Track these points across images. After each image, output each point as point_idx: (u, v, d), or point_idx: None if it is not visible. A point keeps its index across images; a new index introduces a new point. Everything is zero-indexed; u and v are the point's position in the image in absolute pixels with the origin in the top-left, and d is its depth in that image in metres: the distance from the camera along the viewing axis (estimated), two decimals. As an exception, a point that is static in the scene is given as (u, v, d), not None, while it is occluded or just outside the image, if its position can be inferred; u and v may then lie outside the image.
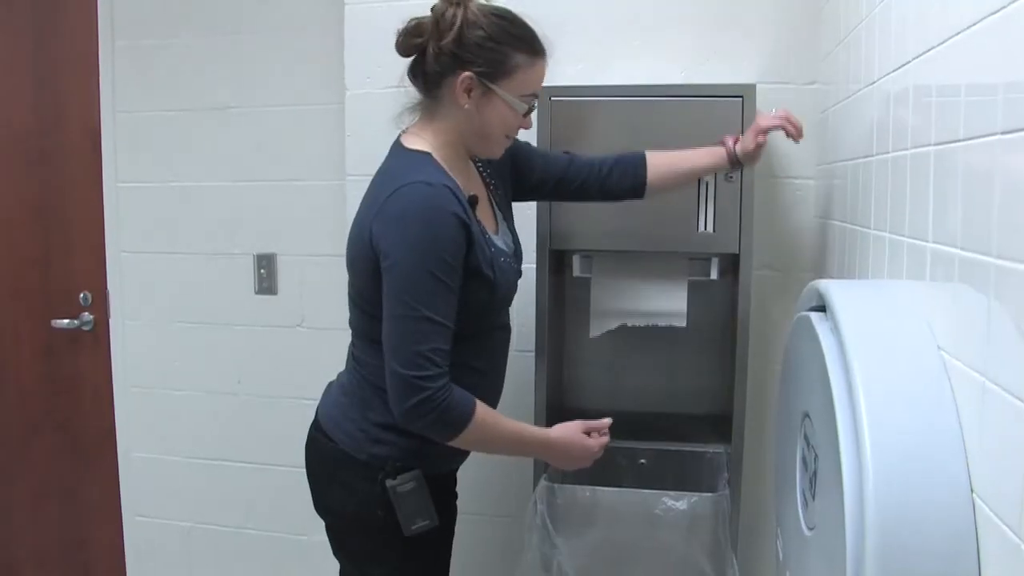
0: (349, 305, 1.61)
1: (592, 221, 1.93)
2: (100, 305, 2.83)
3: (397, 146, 1.56)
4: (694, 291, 2.05)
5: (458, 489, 1.79)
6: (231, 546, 2.82)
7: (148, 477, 2.86)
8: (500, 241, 1.60)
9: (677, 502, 1.77)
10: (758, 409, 2.09)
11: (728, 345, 2.07)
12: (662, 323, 1.95)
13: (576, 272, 2.06)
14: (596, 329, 2.06)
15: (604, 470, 1.98)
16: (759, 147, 1.71)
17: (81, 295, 2.83)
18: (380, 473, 1.52)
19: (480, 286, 1.50)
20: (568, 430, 1.60)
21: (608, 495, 1.84)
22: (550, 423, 1.86)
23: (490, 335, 1.60)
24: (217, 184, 2.69)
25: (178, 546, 2.86)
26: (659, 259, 2.00)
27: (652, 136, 1.86)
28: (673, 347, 2.18)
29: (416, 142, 1.53)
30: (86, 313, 2.83)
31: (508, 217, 1.70)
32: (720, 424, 2.04)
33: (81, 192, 2.78)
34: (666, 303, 2.00)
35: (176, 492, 2.84)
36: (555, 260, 2.05)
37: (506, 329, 1.67)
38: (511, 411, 1.66)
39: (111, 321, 2.82)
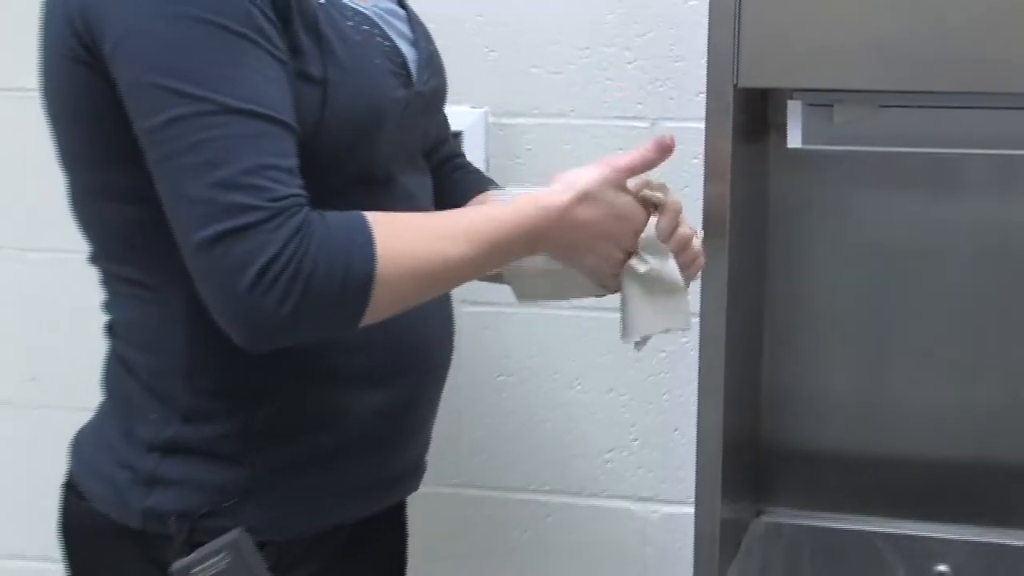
0: (74, 213, 1.54)
1: (834, 23, 1.67)
2: None
3: None
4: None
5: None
6: None
7: None
8: (369, 10, 1.58)
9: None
10: None
11: None
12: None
13: (794, 141, 1.82)
14: None
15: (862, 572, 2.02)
16: None
17: None
18: (165, 549, 1.47)
19: (307, 80, 1.44)
20: (586, 180, 1.52)
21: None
22: (735, 474, 1.84)
23: (354, 201, 1.45)
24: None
25: None
26: (986, 113, 1.81)
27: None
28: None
29: None
30: None
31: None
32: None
33: None
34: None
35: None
36: (748, 112, 1.82)
37: (407, 198, 1.59)
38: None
39: None
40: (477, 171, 1.87)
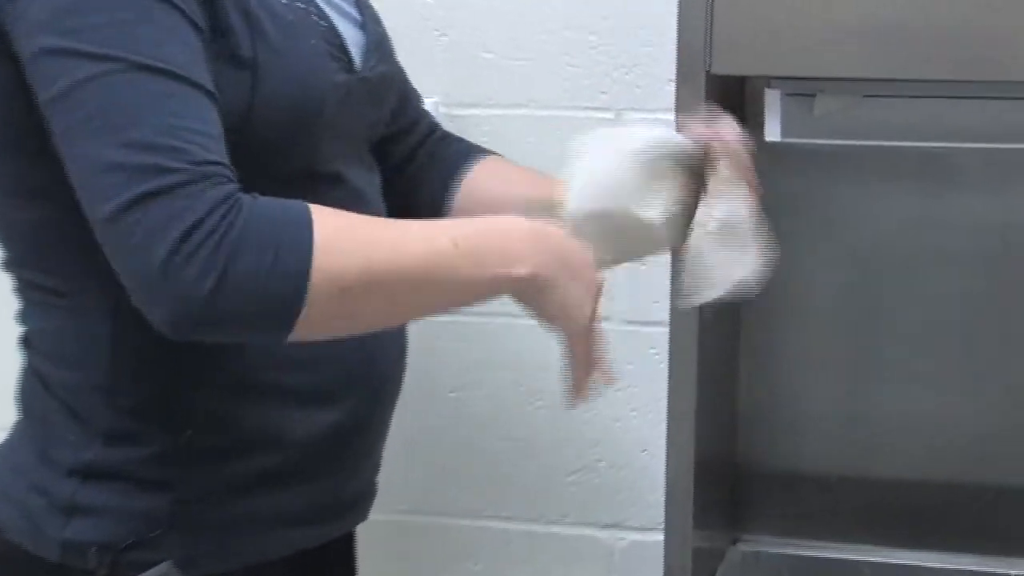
0: None
1: (816, 5, 1.71)
2: None
3: None
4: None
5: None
6: None
7: None
8: None
9: None
10: None
11: None
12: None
13: (773, 134, 1.84)
14: None
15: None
16: None
17: None
18: None
19: (236, 63, 1.42)
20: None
21: None
22: (708, 498, 1.87)
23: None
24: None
25: None
26: (978, 103, 1.85)
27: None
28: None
29: None
30: None
31: None
32: None
33: None
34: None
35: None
36: (722, 102, 1.77)
37: (356, 197, 1.57)
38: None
39: None
40: (465, 142, 1.82)
